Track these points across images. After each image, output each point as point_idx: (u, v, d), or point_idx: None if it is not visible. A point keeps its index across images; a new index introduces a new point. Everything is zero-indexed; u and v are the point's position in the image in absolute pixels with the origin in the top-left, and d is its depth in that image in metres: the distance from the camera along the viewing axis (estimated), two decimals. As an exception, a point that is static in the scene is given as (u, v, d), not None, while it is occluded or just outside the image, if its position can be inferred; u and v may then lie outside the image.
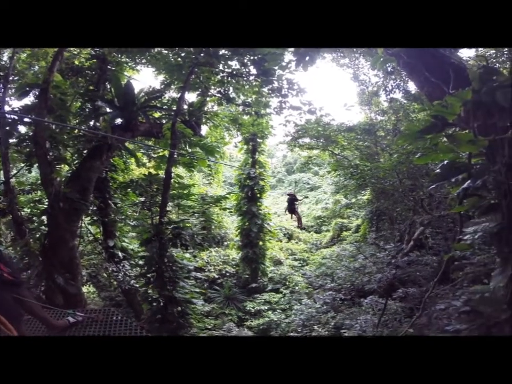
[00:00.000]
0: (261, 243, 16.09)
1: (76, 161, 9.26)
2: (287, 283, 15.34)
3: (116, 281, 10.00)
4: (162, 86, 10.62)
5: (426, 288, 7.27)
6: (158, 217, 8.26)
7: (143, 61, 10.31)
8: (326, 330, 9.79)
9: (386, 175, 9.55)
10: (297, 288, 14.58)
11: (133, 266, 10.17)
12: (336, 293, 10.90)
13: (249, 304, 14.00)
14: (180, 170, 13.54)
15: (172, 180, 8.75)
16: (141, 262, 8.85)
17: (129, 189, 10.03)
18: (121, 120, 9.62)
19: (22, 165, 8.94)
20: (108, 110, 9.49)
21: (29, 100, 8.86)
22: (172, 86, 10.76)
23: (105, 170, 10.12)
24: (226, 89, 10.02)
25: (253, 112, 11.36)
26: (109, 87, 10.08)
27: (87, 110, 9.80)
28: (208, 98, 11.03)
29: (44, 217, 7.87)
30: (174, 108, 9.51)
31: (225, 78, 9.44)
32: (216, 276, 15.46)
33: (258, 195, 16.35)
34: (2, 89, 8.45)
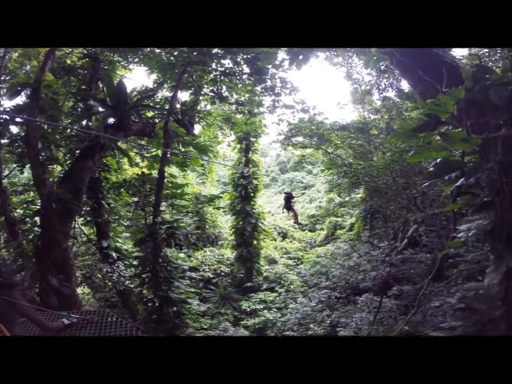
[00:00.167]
0: (255, 242, 16.11)
1: (68, 162, 9.19)
2: (282, 282, 15.39)
3: (111, 282, 9.94)
4: (155, 85, 10.56)
5: (420, 285, 7.33)
6: (151, 217, 8.22)
7: (135, 60, 10.25)
8: (322, 328, 9.82)
9: (380, 173, 9.58)
10: (292, 286, 14.63)
11: (127, 266, 10.11)
12: (331, 291, 10.94)
13: (245, 303, 14.01)
14: (173, 169, 13.48)
15: (165, 180, 8.70)
16: (135, 263, 8.80)
17: (122, 189, 9.95)
18: (113, 120, 9.55)
19: (14, 165, 8.84)
20: (100, 109, 9.41)
21: (20, 99, 8.78)
22: (165, 85, 10.70)
23: (98, 170, 10.05)
24: (219, 88, 9.99)
25: (246, 111, 11.34)
26: (101, 86, 9.99)
27: (79, 109, 9.72)
28: (201, 97, 10.99)
29: (37, 218, 7.79)
30: (167, 107, 9.46)
31: (218, 76, 9.41)
32: (211, 276, 15.44)
33: (252, 194, 16.36)
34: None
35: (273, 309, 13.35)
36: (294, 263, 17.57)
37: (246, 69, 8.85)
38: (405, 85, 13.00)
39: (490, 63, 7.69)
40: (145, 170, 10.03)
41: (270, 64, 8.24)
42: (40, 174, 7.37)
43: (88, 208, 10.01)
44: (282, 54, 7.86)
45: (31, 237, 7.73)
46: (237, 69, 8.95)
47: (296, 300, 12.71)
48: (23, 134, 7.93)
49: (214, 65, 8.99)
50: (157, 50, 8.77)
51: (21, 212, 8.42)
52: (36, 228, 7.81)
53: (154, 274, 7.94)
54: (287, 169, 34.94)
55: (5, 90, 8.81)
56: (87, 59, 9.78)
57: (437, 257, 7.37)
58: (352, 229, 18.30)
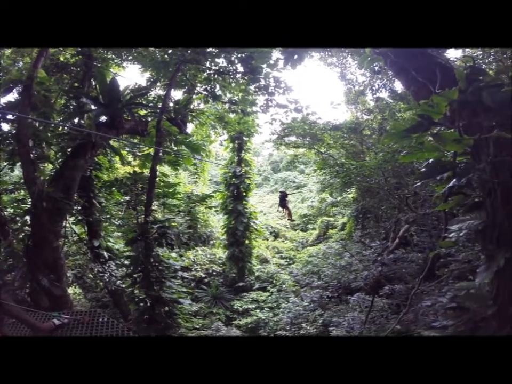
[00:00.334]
0: (247, 242, 16.12)
1: (60, 160, 9.08)
2: (274, 281, 15.41)
3: (102, 282, 9.86)
4: (148, 83, 10.50)
5: (412, 285, 7.39)
6: (143, 216, 8.16)
7: (129, 58, 10.18)
8: (314, 328, 9.86)
9: (372, 173, 9.65)
10: (284, 286, 14.65)
11: (118, 266, 10.04)
12: (323, 291, 10.98)
13: (237, 303, 14.01)
14: (165, 168, 13.43)
15: (157, 179, 8.65)
16: (126, 262, 8.73)
17: (114, 188, 9.87)
18: (106, 118, 9.46)
19: (5, 163, 8.69)
20: (93, 107, 9.32)
21: (12, 96, 8.65)
22: (158, 83, 10.65)
23: (90, 168, 9.95)
24: (213, 86, 9.96)
25: (239, 110, 11.34)
26: (94, 84, 9.90)
27: (71, 107, 9.61)
28: (194, 96, 10.95)
29: (27, 217, 7.69)
30: (160, 106, 9.40)
31: (212, 75, 9.38)
32: (203, 275, 15.39)
33: (244, 193, 16.35)
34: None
35: (266, 309, 13.36)
36: (286, 263, 17.62)
37: (240, 68, 8.84)
38: (398, 86, 13.12)
39: (483, 65, 7.77)
40: (137, 169, 9.95)
41: (264, 64, 8.23)
42: (31, 172, 7.26)
43: (79, 207, 9.92)
44: (276, 53, 7.86)
45: (21, 236, 7.63)
46: (231, 67, 8.93)
47: (288, 299, 12.73)
48: (14, 131, 7.80)
49: (208, 64, 8.95)
50: (151, 49, 8.71)
51: (11, 210, 8.31)
52: (27, 227, 7.71)
53: (145, 274, 7.89)
54: (280, 169, 35.01)
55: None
56: (80, 56, 9.68)
57: (428, 256, 7.45)
58: (344, 229, 18.39)
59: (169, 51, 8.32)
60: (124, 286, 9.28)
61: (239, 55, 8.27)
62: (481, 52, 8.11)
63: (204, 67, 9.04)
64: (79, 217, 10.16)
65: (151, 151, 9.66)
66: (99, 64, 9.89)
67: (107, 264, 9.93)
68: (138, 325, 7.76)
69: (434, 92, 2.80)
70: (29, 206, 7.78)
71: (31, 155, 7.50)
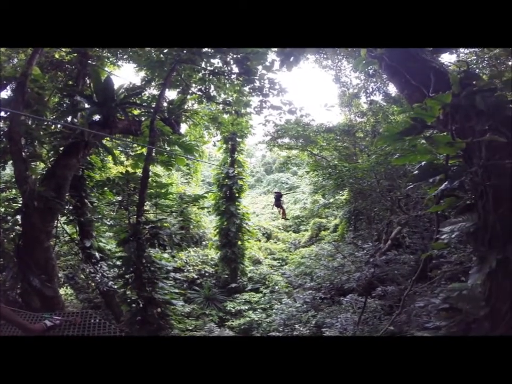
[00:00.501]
0: (239, 243, 16.11)
1: (52, 159, 8.96)
2: (267, 282, 15.42)
3: (94, 283, 9.77)
4: (143, 83, 10.44)
5: (404, 286, 7.43)
6: (135, 216, 8.09)
7: (124, 57, 10.13)
8: (308, 329, 9.87)
9: (364, 175, 9.71)
10: (277, 287, 14.66)
11: (110, 267, 9.96)
12: (316, 292, 11.01)
13: (230, 304, 13.98)
14: (157, 169, 13.36)
15: (150, 179, 8.59)
16: (118, 263, 8.65)
17: (106, 188, 9.77)
18: (99, 117, 9.38)
19: (-4, 161, 8.58)
20: (86, 105, 9.23)
21: (5, 93, 8.56)
22: (153, 83, 10.60)
23: (82, 168, 9.87)
24: (208, 87, 9.94)
25: (233, 111, 11.33)
26: (88, 82, 9.82)
27: (64, 105, 9.53)
28: (188, 96, 10.91)
29: (18, 217, 7.56)
30: (154, 105, 9.35)
31: (207, 75, 9.36)
32: (196, 276, 15.34)
33: (236, 194, 16.35)
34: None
35: (258, 310, 13.35)
36: (279, 264, 17.64)
37: (235, 69, 8.83)
38: (391, 89, 13.26)
39: (477, 70, 7.86)
40: (129, 169, 9.88)
41: (260, 65, 8.24)
42: (23, 170, 7.16)
43: (71, 207, 9.82)
44: (272, 55, 7.88)
45: (12, 235, 7.49)
46: (226, 68, 8.92)
47: (281, 301, 12.75)
48: (6, 129, 7.70)
49: (203, 64, 8.93)
50: (147, 48, 8.67)
51: (2, 209, 8.17)
52: (17, 227, 7.58)
53: (138, 275, 7.82)
54: (272, 170, 35.08)
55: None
56: (75, 54, 9.60)
57: (420, 258, 7.51)
58: (336, 230, 18.46)
59: (165, 51, 8.28)
60: (116, 287, 9.19)
61: (235, 56, 8.27)
62: (475, 57, 8.22)
63: (199, 67, 9.02)
64: (71, 217, 10.04)
65: (144, 151, 9.60)
66: (94, 63, 9.83)
67: (99, 265, 9.84)
68: (130, 326, 7.69)
69: (428, 96, 2.83)
70: (20, 205, 7.67)
71: (23, 153, 7.41)
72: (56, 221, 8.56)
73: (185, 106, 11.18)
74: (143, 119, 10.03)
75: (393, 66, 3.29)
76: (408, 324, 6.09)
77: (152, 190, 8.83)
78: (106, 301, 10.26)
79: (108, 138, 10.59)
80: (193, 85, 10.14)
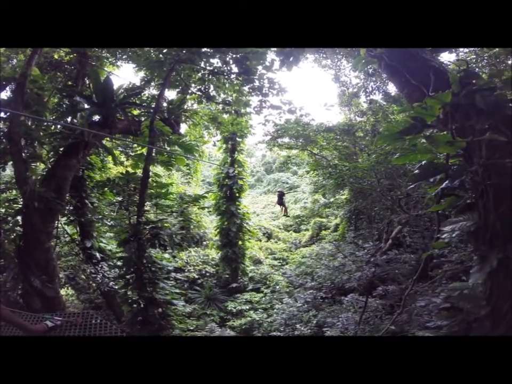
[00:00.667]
0: (240, 242, 16.11)
1: (52, 159, 8.96)
2: (268, 282, 15.42)
3: (95, 283, 9.77)
4: (142, 83, 10.44)
5: (405, 285, 7.42)
6: (135, 217, 8.09)
7: (124, 57, 10.12)
8: (309, 328, 9.86)
9: (365, 175, 9.70)
10: (277, 287, 14.66)
11: (111, 267, 9.95)
12: (317, 292, 10.99)
13: (231, 304, 13.98)
14: (158, 169, 13.36)
15: (150, 179, 8.58)
16: (119, 263, 8.65)
17: (106, 188, 9.76)
18: (98, 117, 9.38)
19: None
20: (86, 106, 9.23)
21: (5, 94, 8.56)
22: (152, 83, 10.59)
23: (82, 168, 9.86)
24: (207, 87, 9.93)
25: (232, 111, 11.32)
26: (87, 82, 9.82)
27: (64, 106, 9.52)
28: (188, 96, 10.91)
29: (19, 217, 7.57)
30: (153, 105, 9.34)
31: (206, 75, 9.35)
32: (196, 276, 15.35)
33: (237, 194, 16.36)
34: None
35: (259, 310, 13.36)
36: (279, 264, 17.64)
37: (235, 69, 8.82)
38: (391, 88, 13.25)
39: (477, 69, 7.86)
40: (129, 169, 9.87)
41: (259, 65, 8.23)
42: (23, 171, 7.16)
43: (71, 207, 9.82)
44: (271, 54, 7.87)
45: (12, 236, 7.49)
46: (225, 68, 8.91)
47: (282, 300, 12.74)
48: (6, 130, 7.70)
49: (202, 64, 8.92)
50: (146, 48, 8.67)
51: (3, 210, 8.17)
52: (18, 227, 7.58)
53: (138, 275, 7.82)
54: (273, 170, 35.06)
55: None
56: (74, 54, 9.59)
57: (421, 257, 7.50)
58: (337, 230, 18.47)
59: (164, 51, 8.28)
60: (116, 287, 9.18)
61: (234, 56, 8.26)
62: (474, 56, 8.22)
63: (198, 67, 9.01)
64: (71, 218, 10.04)
65: (144, 151, 9.59)
66: (93, 63, 9.83)
67: (100, 265, 9.84)
68: (131, 327, 7.68)
69: (427, 95, 2.83)
70: (20, 205, 7.67)
71: (23, 154, 7.40)
72: (56, 222, 8.56)
73: (185, 106, 11.18)
74: (142, 119, 10.03)
75: (393, 66, 3.29)
76: (409, 323, 6.09)
77: (152, 190, 8.83)
78: (107, 302, 10.26)
79: (108, 139, 10.59)
80: (193, 85, 10.13)
